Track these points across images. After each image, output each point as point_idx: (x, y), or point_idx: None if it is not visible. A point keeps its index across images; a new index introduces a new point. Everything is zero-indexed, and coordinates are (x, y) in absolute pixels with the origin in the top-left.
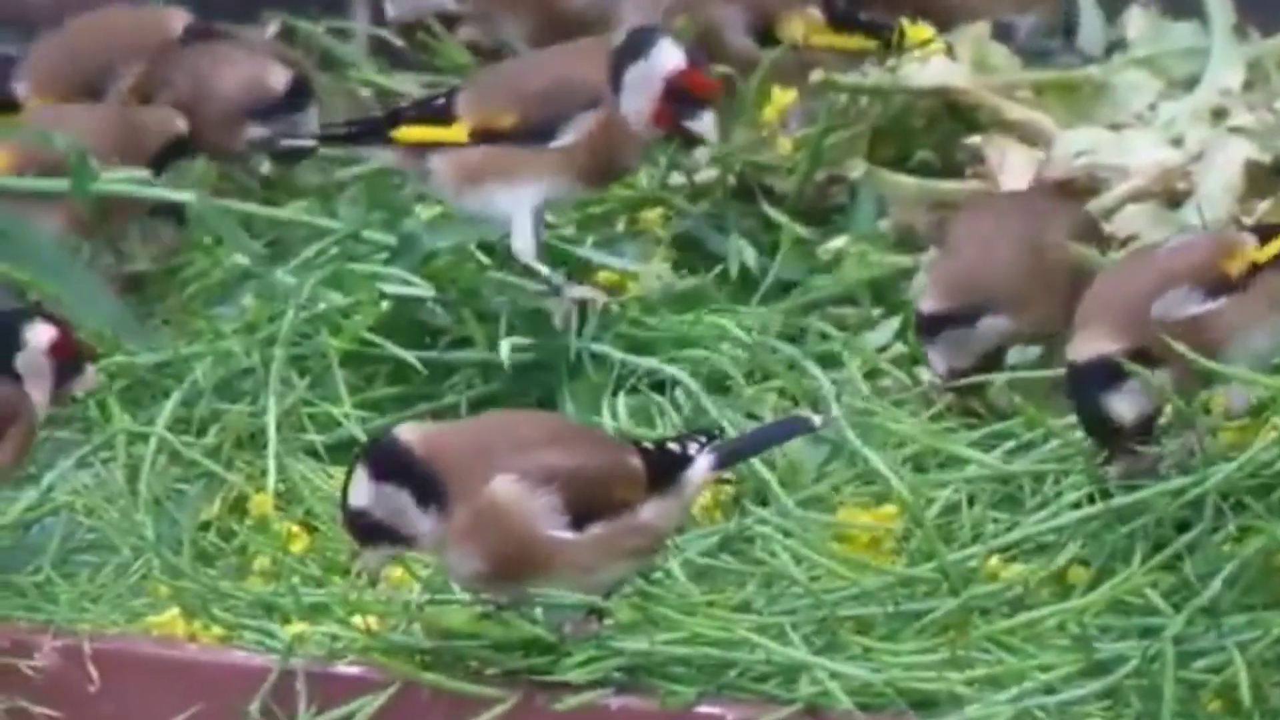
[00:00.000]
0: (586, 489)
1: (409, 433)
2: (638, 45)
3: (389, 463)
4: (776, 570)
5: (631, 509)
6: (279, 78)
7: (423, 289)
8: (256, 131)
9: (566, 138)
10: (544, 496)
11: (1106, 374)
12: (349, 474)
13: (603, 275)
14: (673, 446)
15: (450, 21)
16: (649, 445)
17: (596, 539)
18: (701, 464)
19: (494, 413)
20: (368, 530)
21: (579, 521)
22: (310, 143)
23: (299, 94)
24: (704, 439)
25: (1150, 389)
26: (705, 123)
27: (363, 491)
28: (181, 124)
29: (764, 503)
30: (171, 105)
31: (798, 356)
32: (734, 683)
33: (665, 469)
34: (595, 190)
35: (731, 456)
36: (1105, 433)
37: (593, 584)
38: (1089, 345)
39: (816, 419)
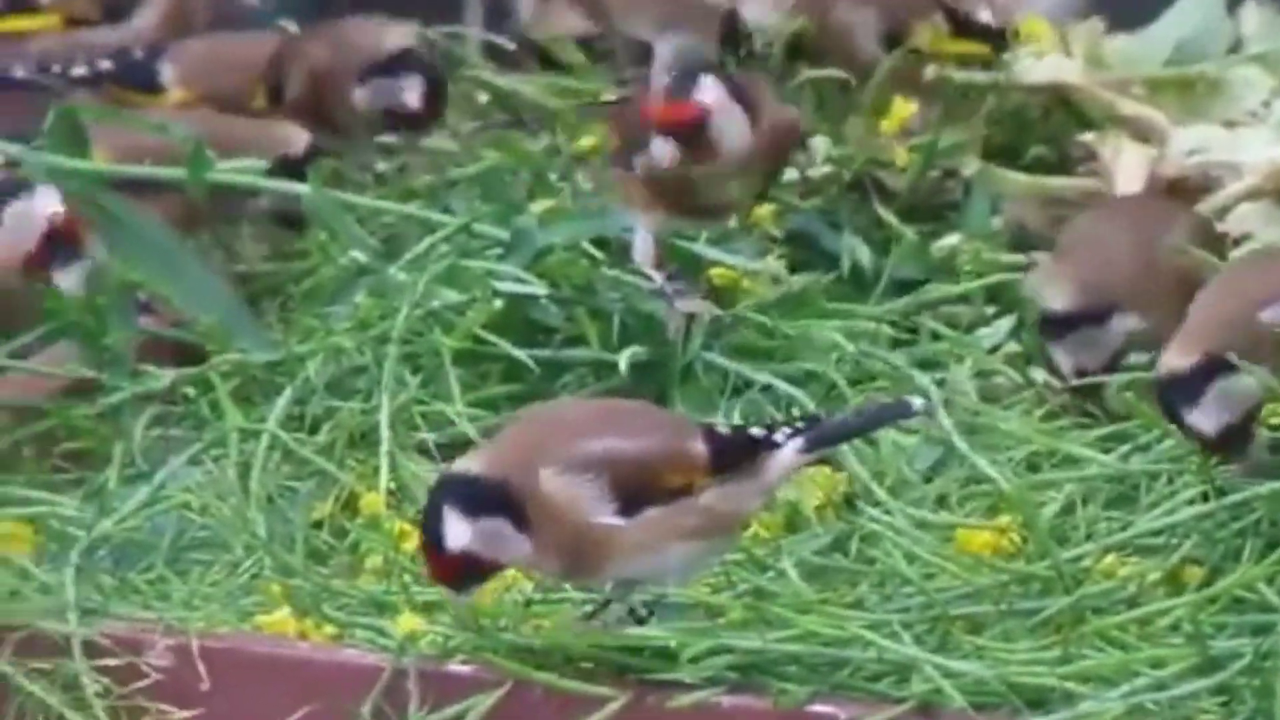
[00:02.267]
0: (634, 474)
1: (474, 464)
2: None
3: (476, 496)
4: (889, 569)
5: (690, 492)
6: (391, 44)
7: (536, 287)
8: (362, 97)
9: None
10: (588, 484)
11: (1187, 387)
12: (429, 521)
13: (716, 272)
14: (754, 431)
15: None
16: (721, 428)
17: (651, 523)
18: (789, 448)
19: (542, 405)
20: (471, 569)
21: (629, 507)
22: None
23: (404, 62)
24: (796, 424)
25: (1231, 398)
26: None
27: (461, 532)
28: (301, 142)
29: (877, 503)
30: (303, 75)
31: (904, 366)
32: (846, 681)
33: (735, 452)
34: None
35: (823, 441)
36: (1196, 443)
37: (661, 569)
38: (1174, 357)
39: (917, 403)
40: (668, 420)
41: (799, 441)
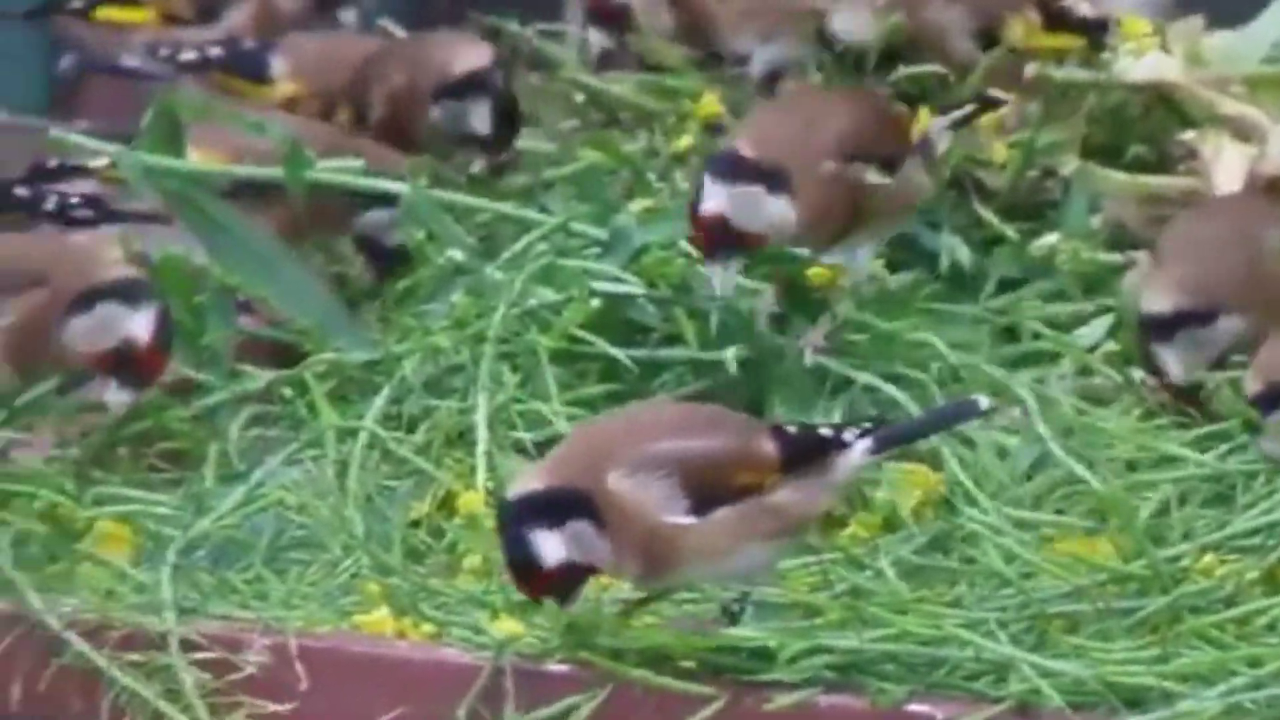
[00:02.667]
0: (704, 474)
1: (549, 475)
2: None
3: (552, 506)
4: (987, 569)
5: (760, 492)
6: (462, 66)
7: (633, 285)
8: (436, 118)
9: None
10: (658, 484)
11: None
12: (515, 548)
13: (814, 271)
14: (823, 431)
15: None
16: (790, 428)
17: (723, 523)
18: (858, 448)
19: (614, 410)
20: (572, 578)
21: (700, 506)
22: None
23: (475, 84)
24: (866, 424)
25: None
26: None
27: (553, 545)
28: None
29: (975, 503)
30: (384, 96)
31: (1001, 366)
32: (944, 680)
33: (805, 451)
34: None
35: (891, 441)
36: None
37: (731, 569)
38: None
39: (983, 402)
40: (737, 420)
41: (868, 442)
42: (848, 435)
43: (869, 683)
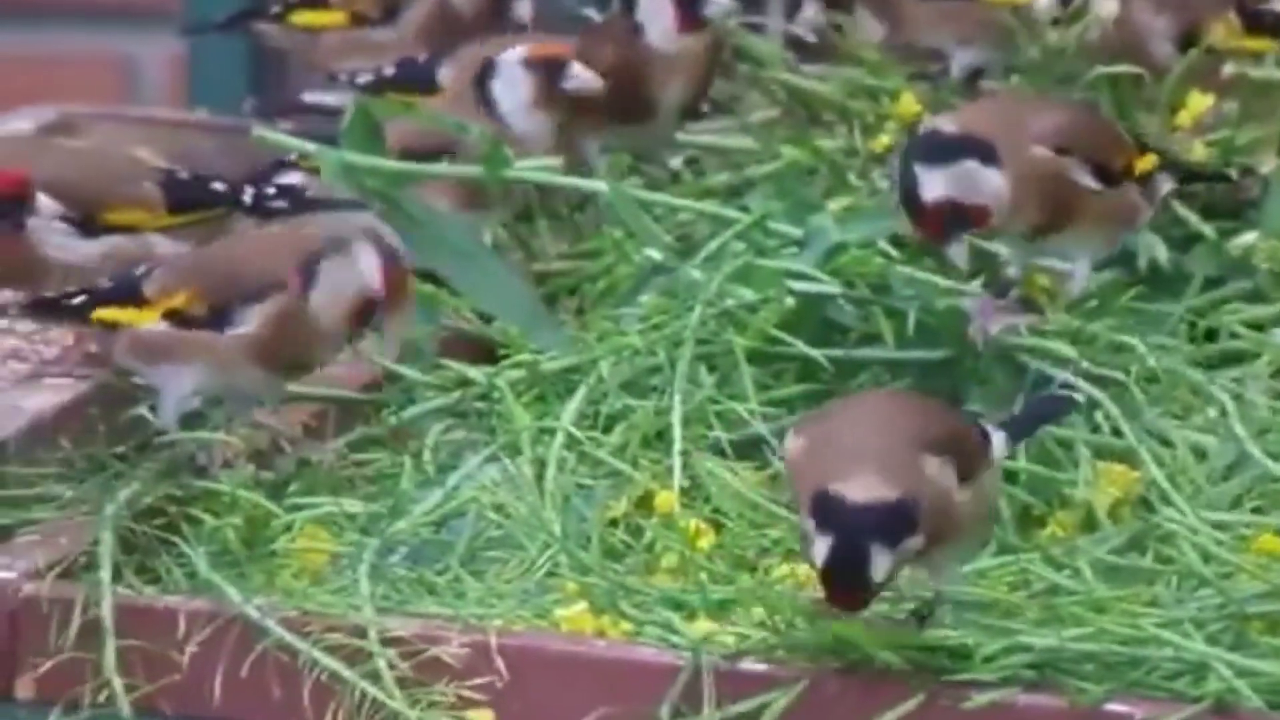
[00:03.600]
0: (966, 458)
1: (861, 488)
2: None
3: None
4: (1185, 568)
5: (979, 476)
6: None
7: (830, 285)
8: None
9: None
10: (948, 465)
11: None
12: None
13: (1028, 279)
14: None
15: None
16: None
17: (968, 502)
18: (998, 441)
19: (841, 401)
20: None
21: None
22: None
23: None
24: (983, 419)
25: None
26: None
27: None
28: None
29: (1172, 502)
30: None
31: (1200, 376)
32: (1142, 680)
33: (988, 442)
34: None
35: (1020, 434)
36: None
37: (951, 561)
38: None
39: (1078, 396)
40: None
41: (1001, 435)
42: (988, 429)
43: (1067, 682)
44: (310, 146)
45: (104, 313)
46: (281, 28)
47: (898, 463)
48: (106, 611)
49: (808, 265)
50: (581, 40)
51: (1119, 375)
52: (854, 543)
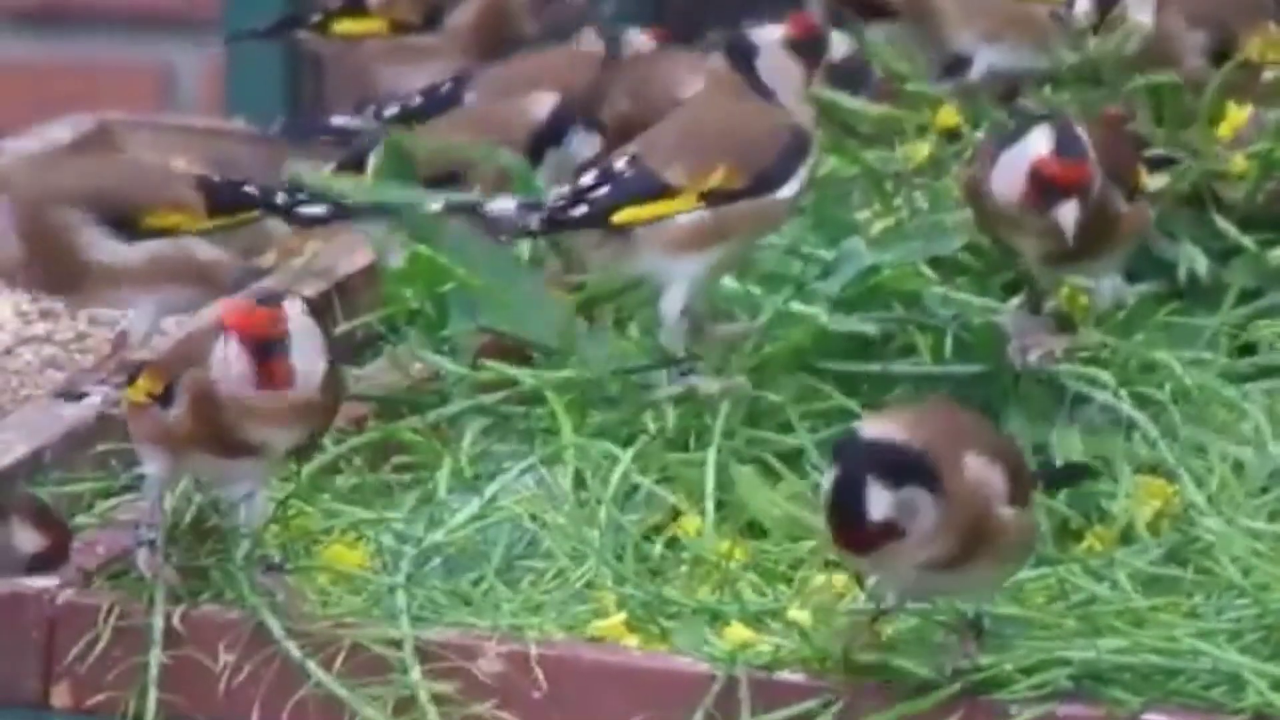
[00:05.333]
0: (1019, 479)
1: (876, 429)
2: None
3: (906, 465)
4: (1223, 580)
5: (1029, 500)
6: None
7: (864, 324)
8: None
9: None
10: (997, 475)
11: None
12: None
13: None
14: None
15: None
16: None
17: (1017, 523)
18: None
19: (897, 410)
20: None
21: (1013, 503)
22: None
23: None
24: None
25: None
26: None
27: (883, 502)
28: None
29: (1210, 515)
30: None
31: (1235, 392)
32: (1180, 689)
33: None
34: None
35: (1047, 485)
36: None
37: (997, 581)
38: None
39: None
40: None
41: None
42: None
43: (1105, 693)
44: (343, 182)
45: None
46: (322, 36)
47: (933, 440)
48: (158, 623)
49: (837, 287)
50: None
51: (1155, 392)
52: (852, 475)
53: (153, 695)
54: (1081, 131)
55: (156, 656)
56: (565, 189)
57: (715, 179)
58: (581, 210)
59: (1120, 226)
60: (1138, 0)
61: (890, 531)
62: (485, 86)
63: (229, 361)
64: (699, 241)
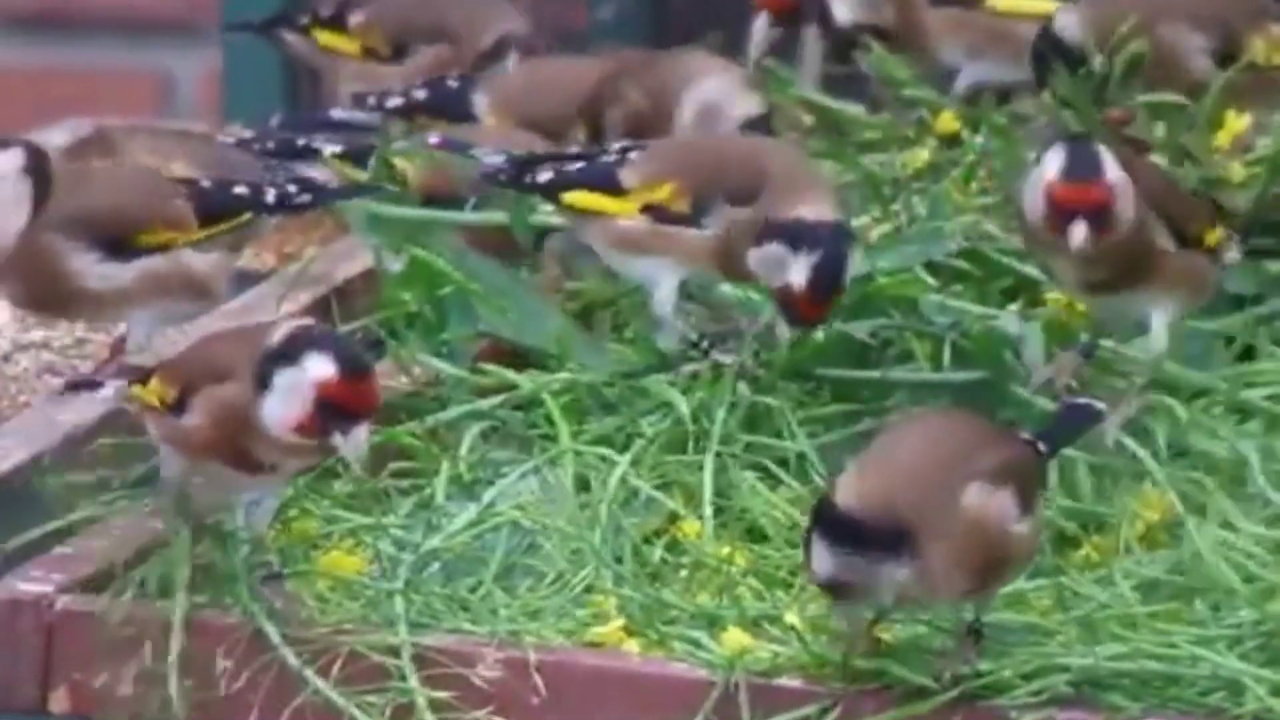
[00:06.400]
0: (1027, 483)
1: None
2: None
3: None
4: (1223, 586)
5: (1039, 502)
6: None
7: (860, 327)
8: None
9: None
10: (1005, 497)
11: None
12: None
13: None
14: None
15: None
16: (1026, 436)
17: (1028, 533)
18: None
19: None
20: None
21: (1023, 516)
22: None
23: None
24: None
25: None
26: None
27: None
28: None
29: (1209, 520)
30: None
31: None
32: (1179, 696)
33: (1044, 465)
34: None
35: (1058, 445)
36: None
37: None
38: None
39: (1101, 405)
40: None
41: (1043, 446)
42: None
43: (1104, 699)
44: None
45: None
46: (304, 40)
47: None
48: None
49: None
50: (602, 86)
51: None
52: (810, 533)
53: (174, 691)
54: (1103, 152)
55: (176, 648)
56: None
57: (660, 194)
58: (544, 177)
59: (1164, 264)
60: None
61: (841, 589)
62: (496, 88)
63: (286, 402)
64: (637, 248)
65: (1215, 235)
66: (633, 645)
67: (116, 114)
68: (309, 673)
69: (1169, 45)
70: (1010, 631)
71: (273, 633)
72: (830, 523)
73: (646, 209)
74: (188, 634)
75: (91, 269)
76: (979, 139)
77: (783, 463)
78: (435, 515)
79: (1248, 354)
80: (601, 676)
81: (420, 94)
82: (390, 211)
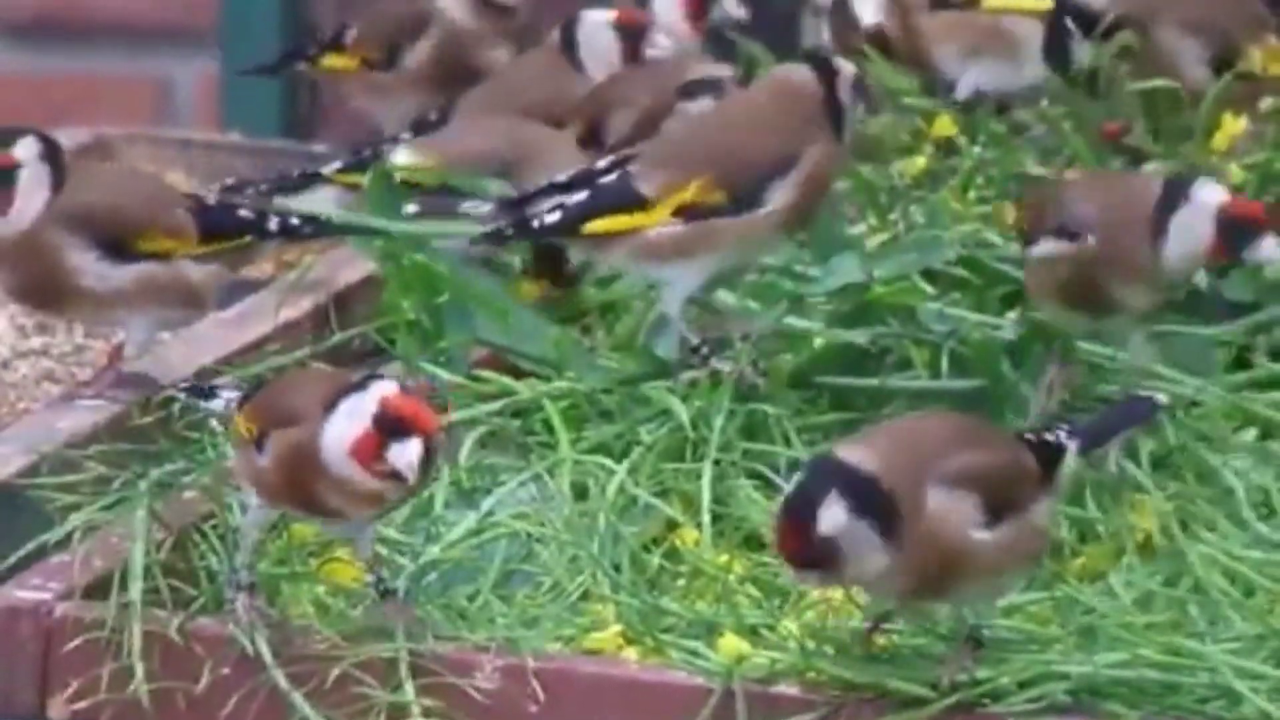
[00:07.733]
0: (1001, 488)
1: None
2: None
3: (858, 493)
4: (1222, 595)
5: (1028, 508)
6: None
7: (857, 334)
8: None
9: None
10: (967, 499)
11: None
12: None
13: None
14: (1048, 436)
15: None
16: (1031, 436)
17: (1002, 541)
18: (1071, 451)
19: (893, 424)
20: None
21: (992, 522)
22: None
23: None
24: (1066, 425)
25: None
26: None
27: (834, 521)
28: None
29: (1209, 528)
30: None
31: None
32: (1177, 704)
33: (1051, 463)
34: None
35: (1094, 442)
36: None
37: (997, 592)
38: None
39: (1161, 398)
40: (1003, 432)
41: (1075, 443)
42: (1063, 437)
43: (1102, 707)
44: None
45: None
46: (314, 70)
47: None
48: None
49: (821, 294)
50: (603, 89)
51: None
52: (813, 489)
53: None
54: None
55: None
56: (542, 187)
57: (689, 194)
58: (555, 217)
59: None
60: None
61: (829, 552)
62: (466, 110)
63: (348, 424)
64: (674, 253)
65: None
66: (631, 653)
67: (115, 120)
68: (297, 696)
69: (1167, 50)
70: (1009, 638)
71: (265, 651)
72: (850, 483)
73: (679, 212)
74: (180, 642)
75: (89, 267)
76: (976, 148)
77: (779, 470)
78: (433, 524)
79: (1244, 362)
80: (599, 684)
81: (407, 136)
82: (385, 226)
